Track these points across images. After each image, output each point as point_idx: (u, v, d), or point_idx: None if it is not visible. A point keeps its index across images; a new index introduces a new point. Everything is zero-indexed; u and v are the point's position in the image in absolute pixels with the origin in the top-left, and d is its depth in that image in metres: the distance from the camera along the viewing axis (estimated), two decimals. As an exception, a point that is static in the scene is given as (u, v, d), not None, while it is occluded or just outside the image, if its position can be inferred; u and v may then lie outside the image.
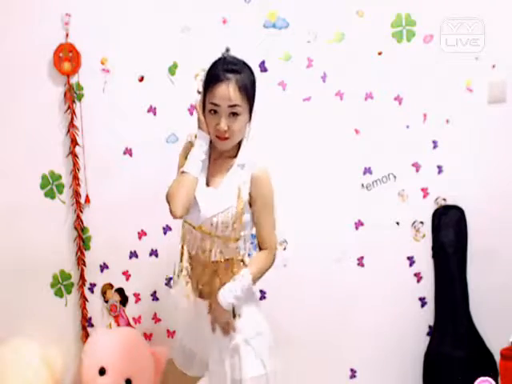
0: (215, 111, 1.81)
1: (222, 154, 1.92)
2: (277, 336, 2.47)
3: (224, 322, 1.85)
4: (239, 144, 1.91)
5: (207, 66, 2.41)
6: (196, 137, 1.89)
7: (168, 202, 1.86)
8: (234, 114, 1.81)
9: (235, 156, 1.91)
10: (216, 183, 1.89)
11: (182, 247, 1.99)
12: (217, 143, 1.87)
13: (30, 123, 2.56)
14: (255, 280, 1.89)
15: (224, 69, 1.80)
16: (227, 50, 1.91)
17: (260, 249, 1.93)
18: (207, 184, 1.90)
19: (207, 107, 1.83)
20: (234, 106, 1.80)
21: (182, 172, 1.85)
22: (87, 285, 2.65)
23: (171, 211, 1.84)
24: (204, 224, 1.85)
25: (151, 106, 2.55)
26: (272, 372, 1.87)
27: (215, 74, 1.81)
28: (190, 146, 1.93)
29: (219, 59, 1.86)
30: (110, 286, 2.64)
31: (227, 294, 1.83)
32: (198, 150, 1.87)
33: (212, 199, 1.85)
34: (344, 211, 2.55)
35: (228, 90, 1.78)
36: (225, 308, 1.83)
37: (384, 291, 2.58)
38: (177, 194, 1.83)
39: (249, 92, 1.84)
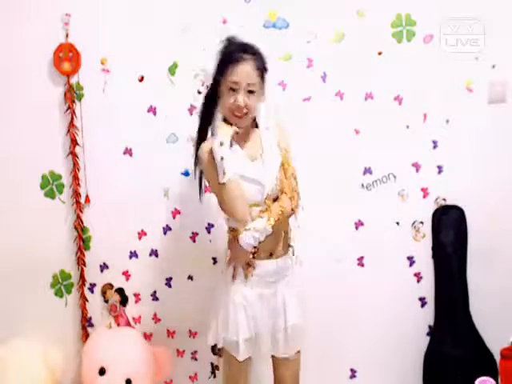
0: (234, 89, 1.93)
1: (245, 130, 2.03)
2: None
3: (244, 261, 2.00)
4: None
5: (207, 65, 2.43)
6: (221, 144, 1.93)
7: (230, 214, 1.96)
8: (251, 92, 1.95)
9: (256, 127, 2.08)
10: (255, 156, 2.02)
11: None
12: (235, 122, 1.97)
13: (30, 123, 2.56)
14: (276, 221, 1.97)
15: (242, 50, 1.95)
16: (233, 37, 2.02)
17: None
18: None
19: (225, 86, 1.95)
20: (252, 84, 1.94)
21: (226, 181, 1.91)
22: (87, 285, 2.64)
23: (239, 220, 1.95)
24: (268, 196, 1.98)
25: (151, 106, 2.55)
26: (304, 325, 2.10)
27: (234, 55, 1.94)
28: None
29: (231, 42, 1.99)
30: (110, 285, 2.64)
31: (248, 237, 1.95)
32: (226, 150, 1.93)
33: (265, 171, 1.99)
34: (344, 211, 2.55)
35: (248, 69, 1.93)
36: (245, 248, 1.96)
37: (384, 291, 2.58)
38: (237, 205, 1.93)
39: (263, 73, 1.99)
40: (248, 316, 2.01)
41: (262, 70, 1.98)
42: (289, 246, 2.10)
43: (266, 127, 2.07)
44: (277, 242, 2.04)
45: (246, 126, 2.02)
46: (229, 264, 2.06)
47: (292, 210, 2.03)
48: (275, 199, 2.02)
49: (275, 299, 2.05)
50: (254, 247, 1.98)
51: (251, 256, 2.00)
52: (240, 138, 2.03)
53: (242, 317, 2.00)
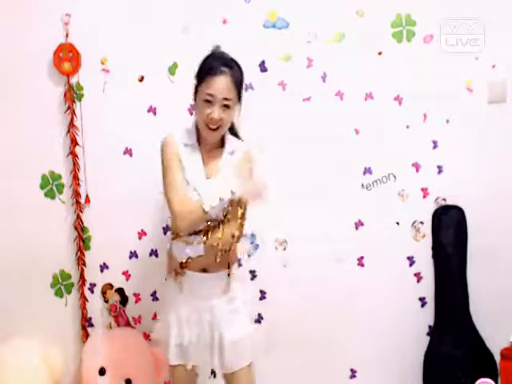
0: (209, 101, 1.91)
1: (212, 146, 2.03)
2: (276, 336, 2.48)
3: (174, 268, 2.05)
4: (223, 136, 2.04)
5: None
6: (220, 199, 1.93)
7: (174, 217, 1.92)
8: (226, 106, 1.92)
9: (222, 146, 2.05)
10: (211, 173, 2.00)
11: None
12: (207, 134, 1.97)
13: (30, 123, 2.56)
14: (214, 246, 1.98)
15: (221, 63, 1.92)
16: (218, 46, 2.03)
17: None
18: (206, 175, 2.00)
19: (201, 97, 1.93)
20: (228, 99, 1.91)
21: (204, 211, 1.90)
22: (87, 285, 2.64)
23: (177, 227, 1.95)
24: (210, 215, 1.94)
25: (151, 106, 2.55)
26: (250, 338, 2.05)
27: (213, 67, 1.92)
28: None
29: (213, 53, 1.99)
30: (110, 286, 2.64)
31: (179, 249, 1.99)
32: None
33: (212, 191, 1.94)
34: (344, 211, 2.55)
35: (225, 83, 1.91)
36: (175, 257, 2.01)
37: (384, 291, 2.58)
38: (190, 222, 1.91)
39: (240, 88, 1.98)
40: (180, 323, 2.01)
41: (239, 84, 1.96)
42: (228, 265, 2.03)
43: (231, 151, 2.03)
44: (211, 261, 1.98)
45: (216, 141, 2.01)
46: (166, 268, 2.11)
47: (233, 239, 1.99)
48: (218, 222, 1.97)
49: (211, 314, 2.01)
50: (187, 260, 1.98)
51: (180, 266, 2.01)
52: (204, 149, 2.02)
53: (173, 323, 2.02)
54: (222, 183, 1.96)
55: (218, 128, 1.95)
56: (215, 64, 1.92)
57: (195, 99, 2.00)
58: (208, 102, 1.91)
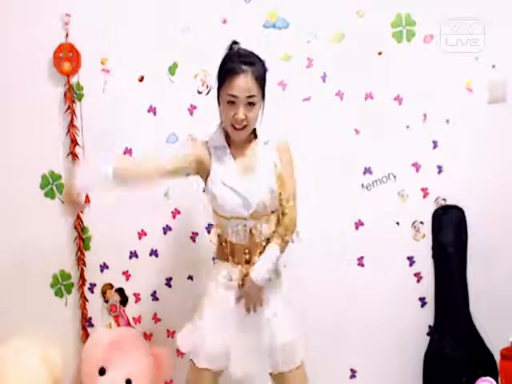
0: (233, 102, 1.89)
1: (243, 141, 2.00)
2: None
3: (258, 299, 1.96)
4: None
5: (207, 65, 2.43)
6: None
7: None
8: (251, 104, 1.89)
9: (255, 137, 2.03)
10: (248, 169, 1.97)
11: (225, 241, 2.01)
12: (234, 134, 1.95)
13: (31, 123, 2.56)
14: (282, 251, 2.00)
15: (240, 61, 1.89)
16: (236, 42, 1.98)
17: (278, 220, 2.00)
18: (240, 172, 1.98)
19: (224, 99, 1.91)
20: (252, 96, 1.88)
21: None
22: (87, 285, 2.65)
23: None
24: (255, 211, 1.93)
25: (151, 106, 2.55)
26: (299, 338, 2.02)
27: (232, 67, 1.88)
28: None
29: (233, 52, 1.94)
30: (110, 286, 2.64)
31: (260, 271, 1.94)
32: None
33: (253, 185, 1.93)
34: (344, 211, 2.55)
35: (246, 82, 1.87)
36: (260, 284, 1.94)
37: (384, 291, 2.58)
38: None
39: (263, 82, 1.94)
40: (218, 327, 1.95)
41: (261, 79, 1.92)
42: None
43: (265, 141, 2.01)
44: (252, 252, 1.98)
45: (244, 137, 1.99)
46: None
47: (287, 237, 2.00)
48: (267, 214, 1.96)
49: (257, 313, 1.97)
50: None
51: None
52: (236, 148, 2.00)
53: (211, 325, 1.96)
54: (260, 179, 1.95)
55: (244, 127, 1.92)
56: (234, 64, 1.88)
57: (218, 101, 1.96)
58: (232, 102, 1.89)
